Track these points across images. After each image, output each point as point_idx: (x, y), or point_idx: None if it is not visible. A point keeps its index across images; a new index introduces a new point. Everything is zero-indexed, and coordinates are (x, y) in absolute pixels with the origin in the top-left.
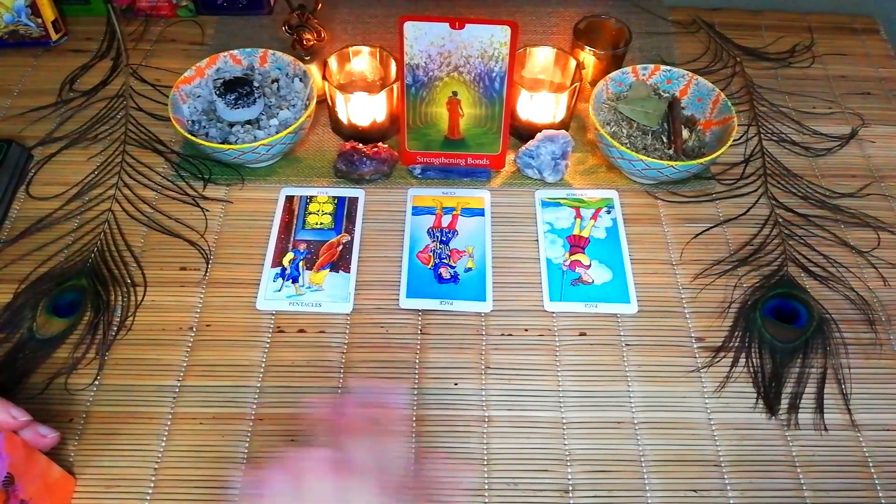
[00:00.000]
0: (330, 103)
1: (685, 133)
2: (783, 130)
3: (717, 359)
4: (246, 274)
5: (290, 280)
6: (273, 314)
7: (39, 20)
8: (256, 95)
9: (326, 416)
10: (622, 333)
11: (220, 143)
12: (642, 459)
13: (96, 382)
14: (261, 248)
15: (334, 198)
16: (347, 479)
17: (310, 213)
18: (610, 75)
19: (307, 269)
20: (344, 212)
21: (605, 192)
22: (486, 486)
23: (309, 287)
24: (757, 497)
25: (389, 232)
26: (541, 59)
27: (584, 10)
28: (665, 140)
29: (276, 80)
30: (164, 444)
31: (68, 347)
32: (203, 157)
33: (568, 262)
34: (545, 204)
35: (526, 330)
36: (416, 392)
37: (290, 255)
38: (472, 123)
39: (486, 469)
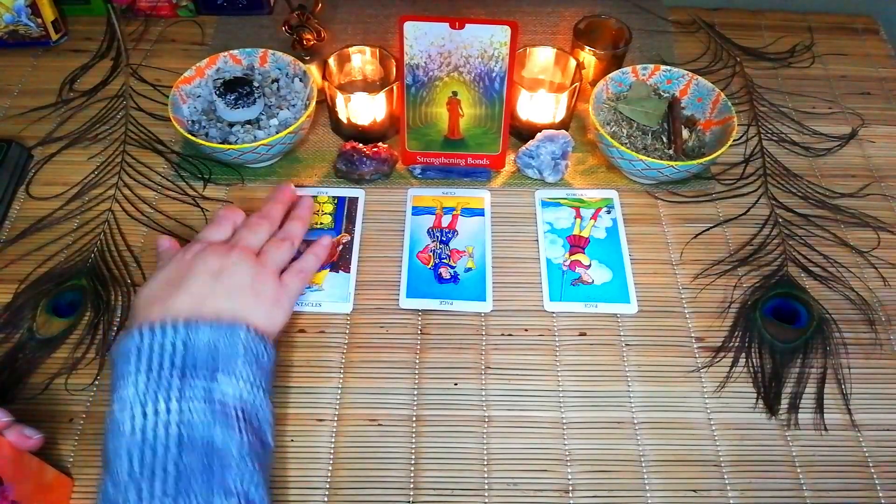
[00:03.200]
0: (330, 103)
1: (685, 133)
2: (783, 130)
3: (717, 359)
4: None
5: None
6: None
7: (39, 20)
8: (256, 95)
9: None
10: (622, 333)
11: (220, 143)
12: (642, 459)
13: (96, 382)
14: None
15: (334, 198)
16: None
17: None
18: (610, 75)
19: None
20: (344, 212)
21: (605, 192)
22: (486, 486)
23: (309, 287)
24: (757, 497)
25: (389, 232)
26: (541, 59)
27: (584, 10)
28: (665, 140)
29: (276, 80)
30: None
31: (68, 347)
32: (203, 157)
33: (568, 262)
34: (545, 204)
35: (526, 330)
36: (416, 392)
37: None
38: (472, 123)
39: (486, 469)
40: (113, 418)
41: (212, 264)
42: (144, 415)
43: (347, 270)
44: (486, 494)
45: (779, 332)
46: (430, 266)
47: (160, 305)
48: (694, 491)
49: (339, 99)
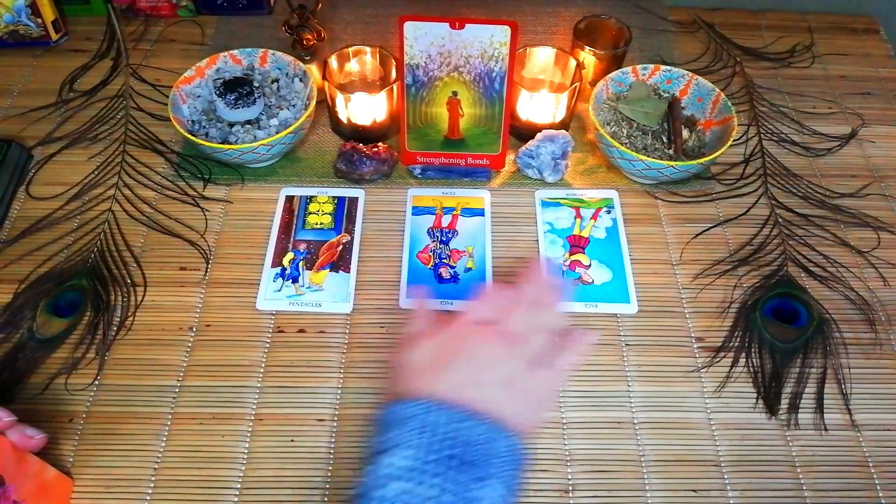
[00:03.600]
0: (330, 103)
1: (685, 133)
2: (783, 130)
3: (717, 359)
4: (246, 274)
5: (290, 280)
6: (273, 314)
7: (39, 20)
8: (256, 95)
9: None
10: (622, 333)
11: (220, 143)
12: (642, 459)
13: (96, 382)
14: (261, 248)
15: (334, 198)
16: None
17: (310, 213)
18: (610, 75)
19: (307, 269)
20: (344, 212)
21: (605, 192)
22: None
23: (309, 287)
24: (757, 497)
25: (389, 232)
26: (541, 59)
27: (584, 10)
28: (665, 140)
29: (276, 80)
30: (163, 444)
31: (68, 347)
32: (203, 157)
33: (568, 262)
34: (545, 204)
35: None
36: None
37: (290, 255)
38: (472, 123)
39: None
40: (375, 481)
41: (481, 350)
42: (408, 492)
43: (347, 270)
44: None
45: (779, 332)
46: (430, 266)
47: (431, 378)
48: (694, 491)
49: (339, 99)
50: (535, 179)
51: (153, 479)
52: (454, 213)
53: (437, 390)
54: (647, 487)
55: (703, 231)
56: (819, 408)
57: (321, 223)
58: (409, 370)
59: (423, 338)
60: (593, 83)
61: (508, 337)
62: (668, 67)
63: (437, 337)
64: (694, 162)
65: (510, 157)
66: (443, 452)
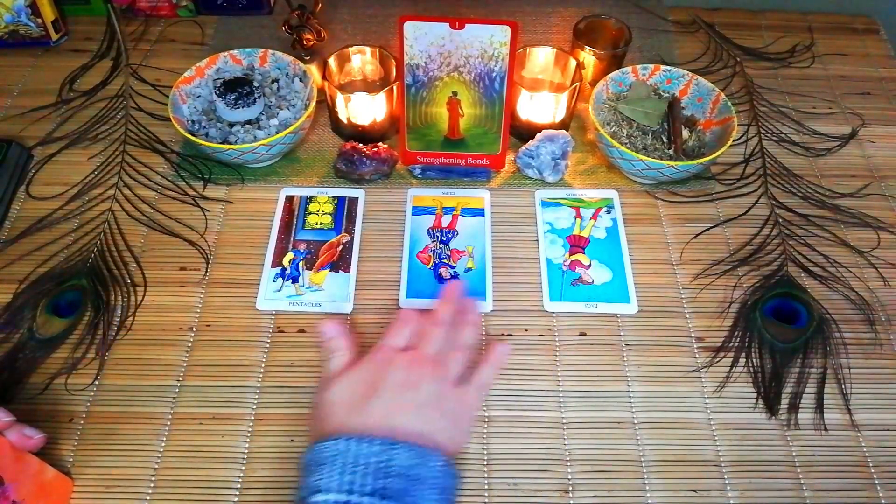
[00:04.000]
0: (330, 103)
1: (685, 133)
2: (783, 130)
3: (717, 359)
4: (246, 274)
5: (290, 280)
6: (273, 314)
7: (39, 20)
8: (256, 95)
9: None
10: (622, 333)
11: (220, 143)
12: (642, 459)
13: (96, 382)
14: (261, 248)
15: (334, 198)
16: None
17: (310, 213)
18: (610, 75)
19: (307, 269)
20: (344, 212)
21: (605, 192)
22: (486, 486)
23: (309, 287)
24: (757, 497)
25: (389, 232)
26: (541, 59)
27: (584, 10)
28: (665, 140)
29: (276, 80)
30: (163, 444)
31: (68, 347)
32: (203, 157)
33: (568, 262)
34: (545, 204)
35: (526, 330)
36: None
37: (290, 255)
38: (472, 123)
39: (486, 469)
40: None
41: (400, 376)
42: None
43: (347, 270)
44: (486, 494)
45: (779, 332)
46: (430, 266)
47: (356, 413)
48: (694, 491)
49: (339, 99)
50: (535, 179)
51: (153, 479)
52: (454, 213)
53: (362, 423)
54: (647, 487)
55: (703, 231)
56: (819, 408)
57: (321, 223)
58: (331, 408)
59: (342, 374)
60: (593, 83)
61: (427, 359)
62: (668, 67)
63: (355, 370)
64: (694, 162)
65: (510, 157)
66: (365, 489)
